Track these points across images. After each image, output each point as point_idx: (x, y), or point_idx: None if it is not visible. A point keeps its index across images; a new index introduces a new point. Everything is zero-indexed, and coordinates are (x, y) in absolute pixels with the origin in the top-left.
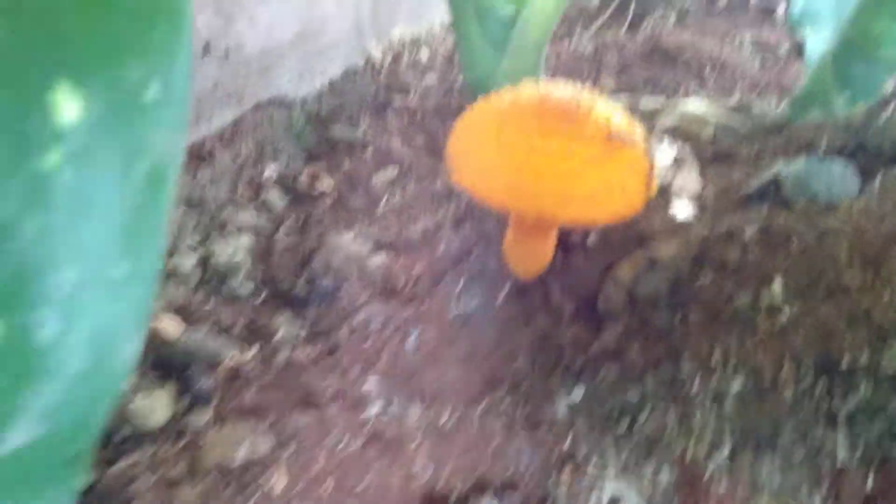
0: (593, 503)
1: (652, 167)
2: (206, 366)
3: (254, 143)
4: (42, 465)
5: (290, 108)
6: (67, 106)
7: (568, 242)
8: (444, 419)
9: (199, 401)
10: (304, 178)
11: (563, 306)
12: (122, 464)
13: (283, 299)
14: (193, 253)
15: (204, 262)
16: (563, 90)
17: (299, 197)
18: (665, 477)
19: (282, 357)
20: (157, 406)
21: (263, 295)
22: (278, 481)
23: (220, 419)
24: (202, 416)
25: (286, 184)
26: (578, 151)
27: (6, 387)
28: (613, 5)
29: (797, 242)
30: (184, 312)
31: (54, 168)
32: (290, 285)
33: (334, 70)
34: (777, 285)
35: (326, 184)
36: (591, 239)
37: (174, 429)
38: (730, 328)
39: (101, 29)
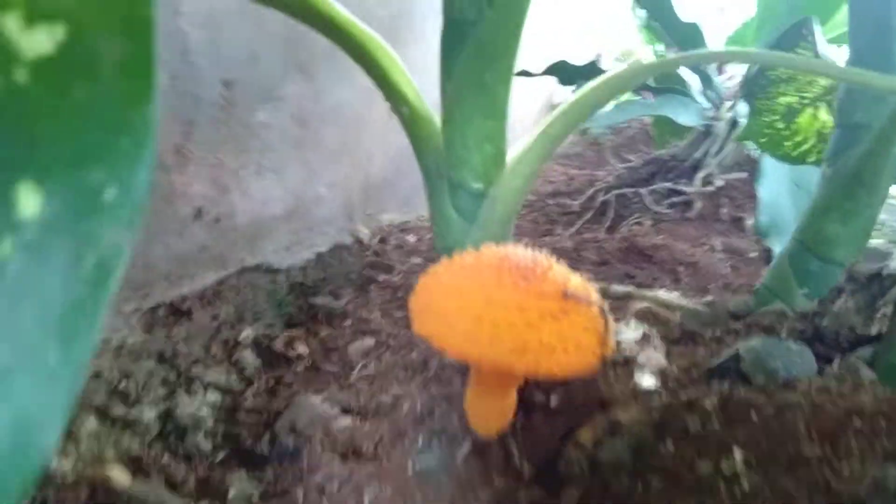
0: None
1: (607, 328)
2: None
3: (234, 306)
4: None
5: (274, 275)
6: (27, 201)
7: (529, 402)
8: None
9: None
10: (279, 342)
11: (522, 467)
12: None
13: (242, 458)
14: (155, 407)
15: (165, 416)
16: (523, 252)
17: (273, 360)
18: None
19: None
20: None
21: (223, 453)
22: None
23: None
24: None
25: (261, 346)
26: (534, 305)
27: None
28: (593, 209)
29: (756, 414)
30: (136, 464)
31: (5, 255)
32: (252, 445)
33: (322, 245)
34: (738, 454)
35: (302, 349)
36: (553, 401)
37: None
38: (691, 496)
39: (70, 136)
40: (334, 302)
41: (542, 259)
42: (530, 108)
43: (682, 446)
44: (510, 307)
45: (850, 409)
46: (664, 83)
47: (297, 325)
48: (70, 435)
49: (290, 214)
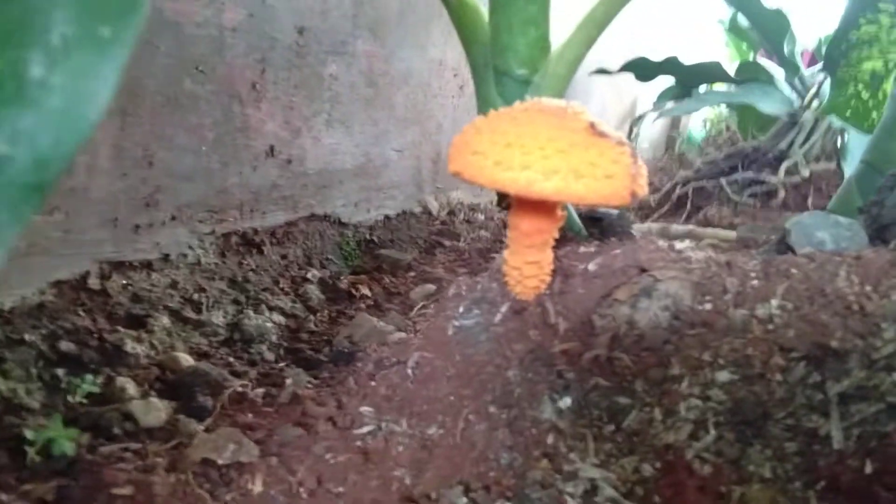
0: (570, 491)
1: (639, 167)
2: (211, 388)
3: (302, 249)
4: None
5: (342, 228)
6: None
7: (568, 269)
8: (430, 431)
9: (196, 412)
10: (344, 282)
11: (558, 324)
12: (112, 447)
13: (301, 363)
14: (224, 317)
15: (233, 327)
16: (557, 101)
17: (337, 296)
18: (647, 467)
19: (287, 393)
20: (153, 409)
21: (284, 363)
22: (258, 482)
23: (213, 428)
24: (196, 425)
25: (327, 284)
26: (564, 136)
27: None
28: (670, 202)
29: (797, 270)
30: (203, 357)
31: None
32: (311, 355)
33: (390, 209)
34: (774, 301)
35: (365, 290)
36: (592, 267)
37: (168, 430)
38: (723, 336)
39: None
40: (400, 254)
41: (575, 105)
42: (615, 109)
43: (718, 302)
44: (540, 137)
45: (893, 259)
46: (747, 74)
47: (362, 273)
48: (145, 327)
49: (359, 171)
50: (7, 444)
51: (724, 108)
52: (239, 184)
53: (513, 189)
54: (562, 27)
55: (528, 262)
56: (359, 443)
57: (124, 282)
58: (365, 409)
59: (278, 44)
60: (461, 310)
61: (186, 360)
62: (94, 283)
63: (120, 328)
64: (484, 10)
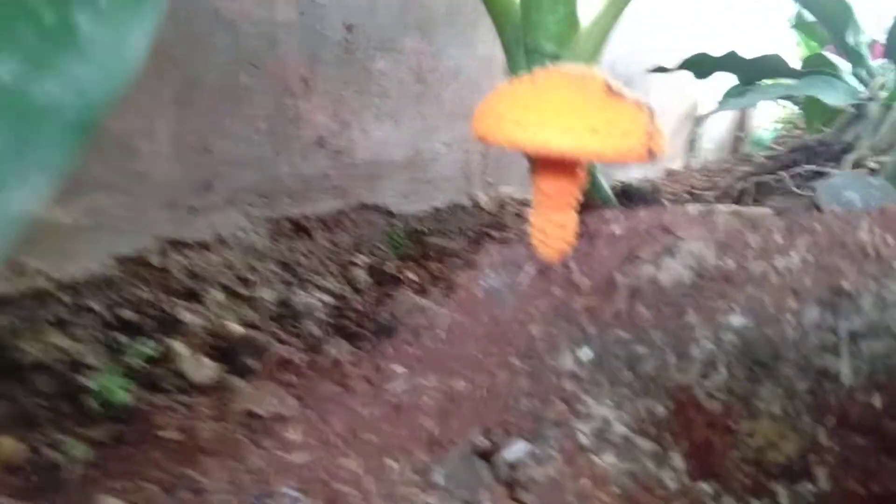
0: (583, 429)
1: (656, 127)
2: (257, 353)
3: (351, 237)
4: (51, 121)
5: (391, 218)
6: None
7: (594, 231)
8: (457, 386)
9: (242, 372)
10: (391, 267)
11: (581, 282)
12: (163, 398)
13: (345, 337)
14: (274, 294)
15: (282, 304)
16: (576, 67)
17: (384, 280)
18: (660, 408)
19: (328, 358)
20: (202, 367)
21: (330, 339)
22: (298, 432)
23: (257, 385)
24: (241, 382)
25: (374, 269)
26: (580, 97)
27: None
28: (730, 197)
29: (820, 225)
30: (253, 329)
31: None
32: (356, 330)
33: (439, 201)
34: (795, 254)
35: (412, 275)
36: (617, 229)
37: (215, 387)
38: (741, 288)
39: None
40: (447, 242)
41: (595, 70)
42: (675, 110)
43: (740, 257)
44: (556, 98)
45: None
46: (811, 67)
47: (409, 260)
48: (199, 300)
49: (409, 163)
50: (71, 395)
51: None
52: (290, 172)
53: (530, 146)
54: (590, 4)
55: (552, 223)
56: (391, 398)
57: (181, 259)
58: (398, 368)
59: (328, 40)
60: (488, 272)
61: (237, 328)
62: (154, 258)
63: (176, 300)
64: None
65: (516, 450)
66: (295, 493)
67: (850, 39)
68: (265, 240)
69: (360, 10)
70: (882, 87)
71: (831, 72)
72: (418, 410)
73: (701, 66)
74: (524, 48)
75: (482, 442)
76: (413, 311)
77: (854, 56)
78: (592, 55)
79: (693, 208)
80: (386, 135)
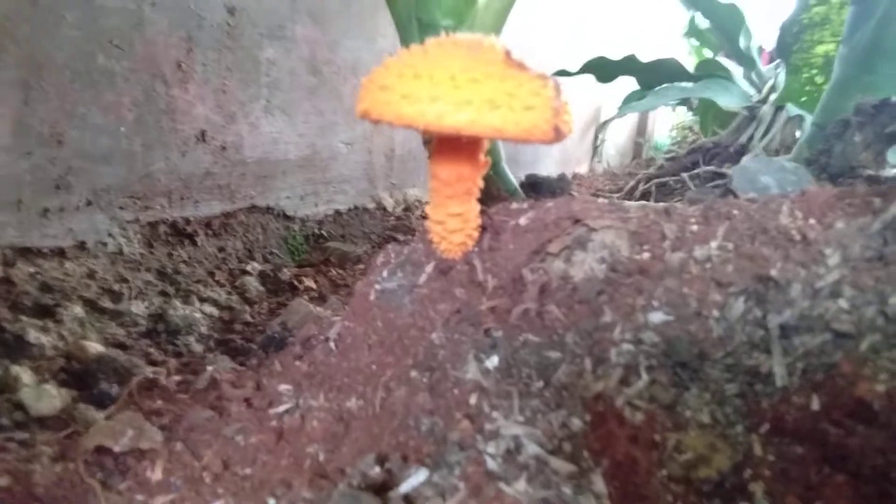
0: (490, 451)
1: (561, 103)
2: (118, 376)
3: (242, 242)
4: None
5: (288, 221)
6: None
7: (498, 225)
8: (349, 404)
9: (98, 400)
10: (287, 274)
11: (486, 281)
12: None
13: (230, 353)
14: (148, 307)
15: (157, 318)
16: (472, 36)
17: (278, 288)
18: (576, 421)
19: (204, 379)
20: (46, 397)
21: (211, 353)
22: (158, 469)
23: (113, 415)
24: (96, 413)
25: (267, 276)
26: (477, 66)
27: None
28: (633, 199)
29: (739, 210)
30: (118, 347)
31: None
32: (242, 345)
33: (340, 204)
34: (714, 243)
35: (310, 283)
36: (524, 221)
37: (62, 419)
38: (659, 280)
39: None
40: (349, 247)
41: (493, 39)
42: (580, 116)
43: (656, 249)
44: (452, 68)
45: (842, 194)
46: (705, 71)
47: (308, 266)
48: (53, 317)
49: (305, 162)
50: None
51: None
52: (166, 169)
53: (421, 123)
54: None
55: (451, 215)
56: (273, 422)
57: (32, 270)
58: (284, 387)
59: (206, 23)
60: (385, 274)
61: (95, 347)
62: None
63: (23, 318)
64: None
65: (414, 480)
66: None
67: (742, 44)
68: (138, 246)
69: None
70: (772, 90)
71: (725, 76)
72: (303, 435)
73: (602, 69)
74: (417, 23)
75: (375, 472)
76: (307, 321)
77: (746, 61)
78: (492, 29)
79: (602, 201)
80: (278, 130)
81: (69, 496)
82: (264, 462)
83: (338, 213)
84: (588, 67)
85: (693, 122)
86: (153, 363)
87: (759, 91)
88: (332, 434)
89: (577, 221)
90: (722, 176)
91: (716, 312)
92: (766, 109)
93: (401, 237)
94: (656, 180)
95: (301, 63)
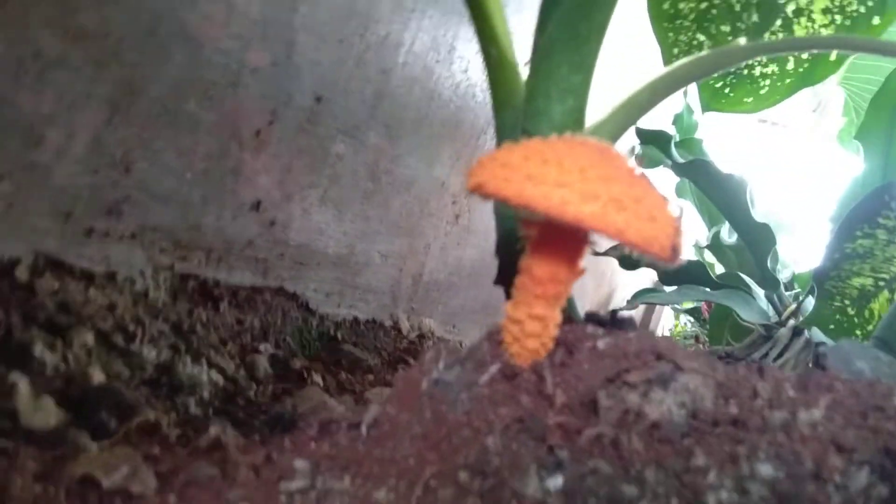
0: None
1: (679, 228)
2: (119, 411)
3: (260, 322)
4: None
5: (308, 314)
6: None
7: (572, 343)
8: (378, 494)
9: (94, 430)
10: (297, 363)
11: (555, 395)
12: None
13: (232, 424)
14: (157, 356)
15: (163, 370)
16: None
17: (287, 375)
18: None
19: (207, 438)
20: (42, 409)
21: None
22: None
23: (108, 448)
24: (90, 442)
25: (278, 360)
26: (607, 165)
27: None
28: None
29: (842, 387)
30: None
31: None
32: (244, 419)
33: (361, 312)
34: (818, 412)
35: (318, 379)
36: (601, 344)
37: (53, 439)
38: (759, 434)
39: None
40: (363, 354)
41: (617, 149)
42: (593, 295)
43: (746, 406)
44: (580, 160)
45: None
46: (727, 281)
47: (318, 362)
48: (63, 337)
49: (340, 262)
50: None
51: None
52: (214, 227)
53: (543, 206)
54: (597, 107)
55: (532, 316)
56: (283, 498)
57: (56, 285)
58: (300, 463)
59: (293, 102)
60: (441, 366)
61: (100, 377)
62: (21, 273)
63: (34, 330)
64: (523, 73)
65: None
66: None
67: (769, 265)
68: (164, 294)
69: (334, 85)
70: (792, 315)
71: (747, 290)
72: None
73: (627, 258)
74: (523, 132)
75: None
76: (320, 410)
77: (770, 282)
78: None
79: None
80: (326, 222)
81: None
82: None
83: (356, 320)
84: (612, 252)
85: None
86: (153, 408)
87: (779, 313)
88: None
89: (660, 357)
90: None
91: (837, 478)
92: (784, 332)
93: (411, 361)
94: None
95: (364, 167)
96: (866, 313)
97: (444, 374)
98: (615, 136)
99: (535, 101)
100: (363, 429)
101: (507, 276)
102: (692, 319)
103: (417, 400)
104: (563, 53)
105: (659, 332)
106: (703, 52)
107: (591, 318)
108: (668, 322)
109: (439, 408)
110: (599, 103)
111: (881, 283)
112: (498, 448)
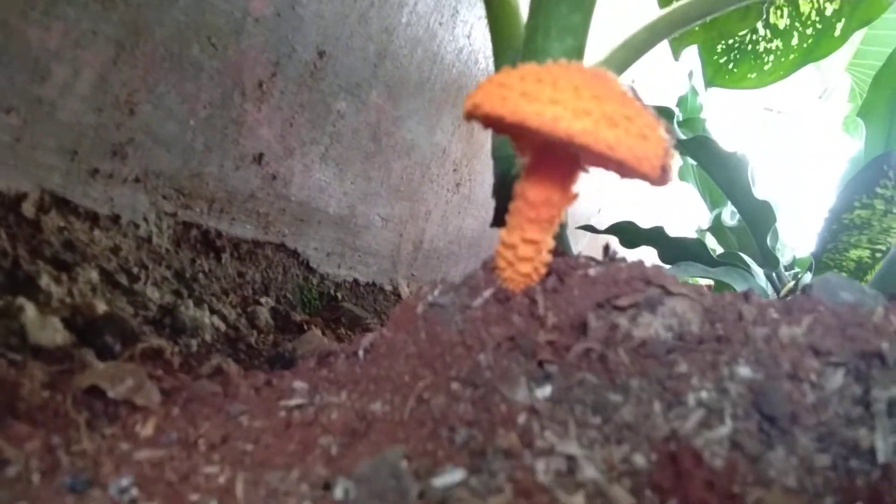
0: (541, 468)
1: (669, 148)
2: (124, 337)
3: (261, 276)
4: None
5: (309, 273)
6: None
7: (564, 270)
8: (374, 406)
9: (100, 350)
10: (297, 316)
11: (546, 317)
12: None
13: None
14: (160, 297)
15: (166, 311)
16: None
17: (286, 326)
18: (640, 459)
19: (209, 366)
20: (50, 327)
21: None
22: (149, 426)
23: (114, 364)
24: (95, 358)
25: (278, 314)
26: (601, 84)
27: None
28: None
29: (824, 309)
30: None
31: None
32: (246, 360)
33: (361, 275)
34: (799, 329)
35: (318, 332)
36: (592, 272)
37: (59, 355)
38: (741, 346)
39: None
40: (362, 312)
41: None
42: None
43: (733, 326)
44: (575, 80)
45: None
46: (727, 259)
47: (318, 317)
48: (69, 273)
49: (341, 221)
50: None
51: None
52: (216, 176)
53: (536, 122)
54: (595, 49)
55: (526, 240)
56: (283, 413)
57: (61, 223)
58: (298, 384)
59: (296, 55)
60: (437, 292)
61: (103, 307)
62: (28, 209)
63: (41, 264)
64: (524, 14)
65: (450, 477)
66: (125, 483)
67: (769, 243)
68: (167, 241)
69: (337, 41)
70: (791, 292)
71: (746, 268)
72: (317, 426)
73: (628, 234)
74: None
75: (403, 466)
76: (320, 349)
77: (770, 259)
78: None
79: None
80: (327, 181)
81: (50, 423)
82: (268, 444)
83: (356, 282)
84: (615, 229)
85: None
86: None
87: (777, 291)
88: (350, 430)
89: (649, 283)
90: None
91: (812, 377)
92: None
93: None
94: None
95: (366, 126)
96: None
97: (440, 299)
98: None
99: (533, 40)
100: (360, 353)
101: (503, 218)
102: None
103: (413, 323)
104: None
105: None
106: None
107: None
108: None
109: (434, 328)
110: (598, 44)
111: (878, 255)
112: (490, 363)
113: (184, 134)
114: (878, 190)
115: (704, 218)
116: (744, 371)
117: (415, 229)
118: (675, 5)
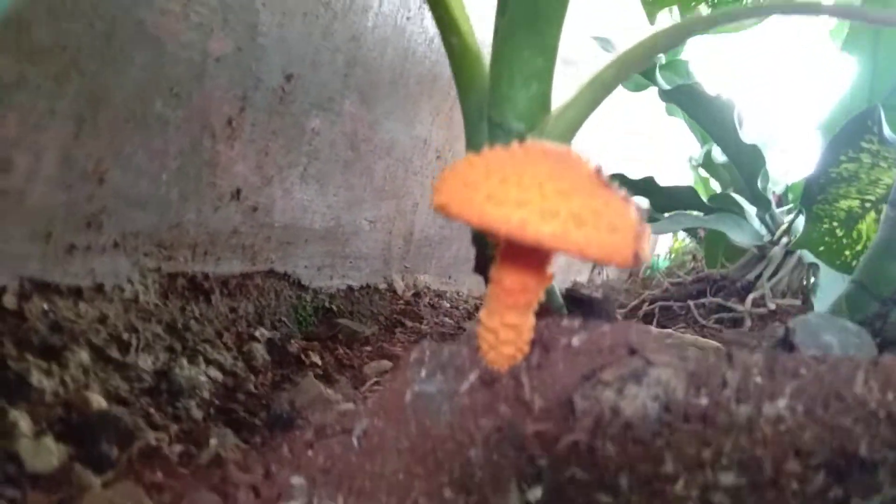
0: None
1: (644, 228)
2: (120, 437)
3: (254, 306)
4: None
5: (301, 291)
6: None
7: (549, 342)
8: None
9: (96, 462)
10: (294, 346)
11: (532, 401)
12: None
13: (232, 426)
14: (154, 363)
15: (161, 375)
16: (556, 145)
17: (284, 360)
18: None
19: (208, 453)
20: (44, 452)
21: (212, 422)
22: None
23: (112, 483)
24: (94, 477)
25: (275, 345)
26: (566, 177)
27: None
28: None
29: (806, 369)
30: (120, 403)
31: None
32: (245, 418)
33: (354, 280)
34: (782, 402)
35: (316, 359)
36: (576, 341)
37: (57, 479)
38: (725, 435)
39: None
40: (358, 326)
41: (580, 153)
42: None
43: (717, 396)
44: (540, 174)
45: None
46: (718, 204)
47: (315, 340)
48: (59, 360)
49: (328, 234)
50: None
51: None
52: (196, 222)
53: (503, 228)
54: (563, 89)
55: (506, 325)
56: None
57: (46, 306)
58: (296, 480)
59: (262, 85)
60: (423, 374)
61: (98, 401)
62: (9, 300)
63: (29, 357)
64: (486, 59)
65: None
66: None
67: (760, 185)
68: (154, 296)
69: (303, 61)
70: (785, 233)
71: (738, 212)
72: None
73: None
74: (488, 122)
75: None
76: (316, 403)
77: (762, 202)
78: (563, 138)
79: (657, 331)
80: (309, 199)
81: None
82: None
83: (350, 289)
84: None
85: (694, 249)
86: (154, 426)
87: (772, 233)
88: None
89: (633, 352)
90: (727, 309)
91: (794, 484)
92: (777, 251)
93: (408, 323)
94: (661, 303)
95: (342, 137)
96: (854, 234)
97: (426, 385)
98: (580, 118)
99: (499, 87)
100: (354, 441)
101: (484, 265)
102: (687, 235)
103: (402, 412)
104: (525, 36)
105: (659, 250)
106: (664, 27)
107: (570, 296)
108: (668, 239)
109: (423, 421)
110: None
111: (867, 205)
112: (480, 461)
113: (157, 189)
114: (864, 144)
115: (697, 148)
116: (727, 478)
117: (404, 224)
118: (640, 40)
